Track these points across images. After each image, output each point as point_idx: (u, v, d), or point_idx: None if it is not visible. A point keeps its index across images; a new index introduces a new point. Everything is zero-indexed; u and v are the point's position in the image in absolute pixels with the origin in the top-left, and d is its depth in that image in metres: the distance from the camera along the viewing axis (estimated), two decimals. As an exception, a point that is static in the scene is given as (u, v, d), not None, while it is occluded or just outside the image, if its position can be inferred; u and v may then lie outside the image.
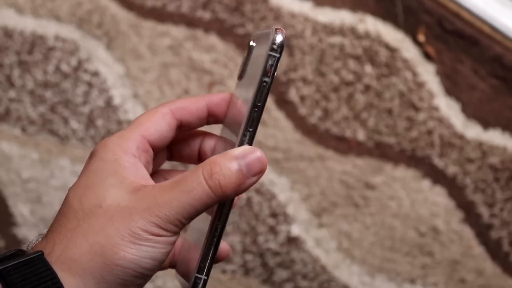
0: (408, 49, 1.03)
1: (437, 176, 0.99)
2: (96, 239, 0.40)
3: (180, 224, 0.41)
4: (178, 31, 1.03)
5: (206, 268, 0.43)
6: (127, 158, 0.43)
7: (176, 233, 0.42)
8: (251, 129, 0.43)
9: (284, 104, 1.01)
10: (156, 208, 0.40)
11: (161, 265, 0.42)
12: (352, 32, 1.03)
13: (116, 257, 0.39)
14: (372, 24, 1.03)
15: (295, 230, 0.96)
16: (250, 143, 0.42)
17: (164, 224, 0.40)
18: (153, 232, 0.40)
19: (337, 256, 0.96)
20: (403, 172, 0.99)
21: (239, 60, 1.03)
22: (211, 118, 0.48)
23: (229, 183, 0.41)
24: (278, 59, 0.42)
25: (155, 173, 0.50)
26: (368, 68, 1.02)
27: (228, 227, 0.96)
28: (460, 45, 1.03)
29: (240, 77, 0.47)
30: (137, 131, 0.44)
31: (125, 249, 0.40)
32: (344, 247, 0.96)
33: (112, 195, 0.41)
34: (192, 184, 0.40)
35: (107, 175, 0.42)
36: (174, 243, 0.42)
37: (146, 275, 0.41)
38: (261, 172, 0.42)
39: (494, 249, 0.97)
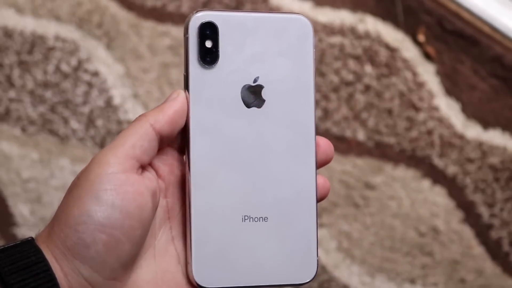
0: (408, 49, 1.03)
1: (437, 176, 0.99)
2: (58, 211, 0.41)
3: (129, 155, 0.41)
4: (178, 31, 1.03)
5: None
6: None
7: (126, 170, 0.41)
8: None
9: (284, 104, 1.01)
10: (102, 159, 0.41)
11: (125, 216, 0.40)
12: (352, 32, 1.03)
13: (70, 216, 0.40)
14: (372, 24, 1.03)
15: (295, 230, 0.96)
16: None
17: (114, 158, 0.41)
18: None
19: (337, 256, 0.96)
20: (403, 172, 0.99)
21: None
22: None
23: (150, 111, 0.43)
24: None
25: None
26: (368, 68, 1.02)
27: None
28: (460, 45, 1.03)
29: (208, 61, 0.43)
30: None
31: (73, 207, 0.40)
32: (344, 247, 0.96)
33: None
34: None
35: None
36: (126, 181, 0.40)
37: (104, 225, 0.39)
38: (174, 98, 0.43)
39: (494, 249, 0.97)
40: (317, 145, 0.46)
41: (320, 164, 0.46)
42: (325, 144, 0.46)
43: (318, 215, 0.45)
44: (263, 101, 0.44)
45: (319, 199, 0.46)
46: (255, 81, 0.44)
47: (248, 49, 0.44)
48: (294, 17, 0.45)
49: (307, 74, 0.45)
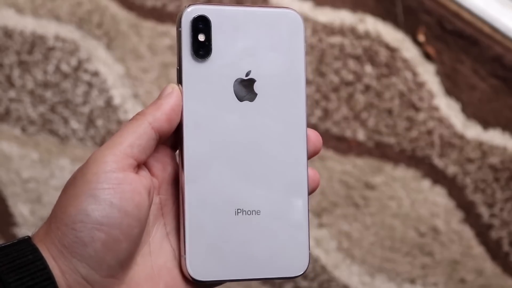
0: (408, 49, 1.03)
1: (437, 176, 0.99)
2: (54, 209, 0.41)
3: (127, 154, 0.41)
4: (178, 31, 1.03)
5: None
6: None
7: (124, 170, 0.40)
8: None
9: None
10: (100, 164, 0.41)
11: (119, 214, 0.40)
12: (352, 32, 1.03)
13: (63, 216, 0.40)
14: (372, 24, 1.03)
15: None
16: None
17: (112, 158, 0.40)
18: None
19: (337, 256, 0.96)
20: (403, 172, 0.99)
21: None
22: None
23: (147, 109, 0.43)
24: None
25: None
26: (368, 68, 1.02)
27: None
28: (460, 45, 1.03)
29: (201, 55, 0.43)
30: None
31: (71, 204, 0.40)
32: (344, 247, 0.96)
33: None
34: None
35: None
36: (122, 180, 0.40)
37: (102, 224, 0.39)
38: (169, 93, 0.43)
39: (494, 249, 0.97)
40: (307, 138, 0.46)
41: (309, 156, 0.46)
42: (314, 136, 0.46)
43: (309, 208, 0.46)
44: (255, 94, 0.44)
45: (310, 192, 0.46)
46: (247, 74, 0.44)
47: (240, 43, 0.44)
48: (285, 11, 0.45)
49: (298, 67, 0.45)
